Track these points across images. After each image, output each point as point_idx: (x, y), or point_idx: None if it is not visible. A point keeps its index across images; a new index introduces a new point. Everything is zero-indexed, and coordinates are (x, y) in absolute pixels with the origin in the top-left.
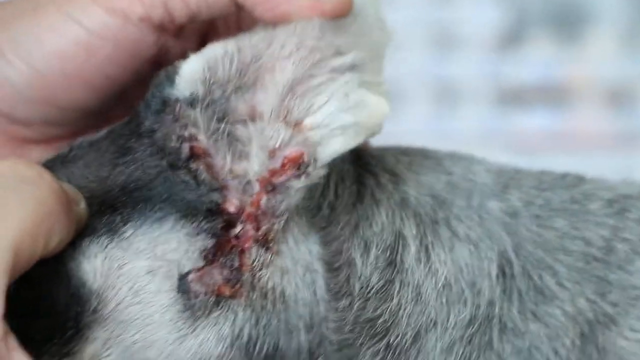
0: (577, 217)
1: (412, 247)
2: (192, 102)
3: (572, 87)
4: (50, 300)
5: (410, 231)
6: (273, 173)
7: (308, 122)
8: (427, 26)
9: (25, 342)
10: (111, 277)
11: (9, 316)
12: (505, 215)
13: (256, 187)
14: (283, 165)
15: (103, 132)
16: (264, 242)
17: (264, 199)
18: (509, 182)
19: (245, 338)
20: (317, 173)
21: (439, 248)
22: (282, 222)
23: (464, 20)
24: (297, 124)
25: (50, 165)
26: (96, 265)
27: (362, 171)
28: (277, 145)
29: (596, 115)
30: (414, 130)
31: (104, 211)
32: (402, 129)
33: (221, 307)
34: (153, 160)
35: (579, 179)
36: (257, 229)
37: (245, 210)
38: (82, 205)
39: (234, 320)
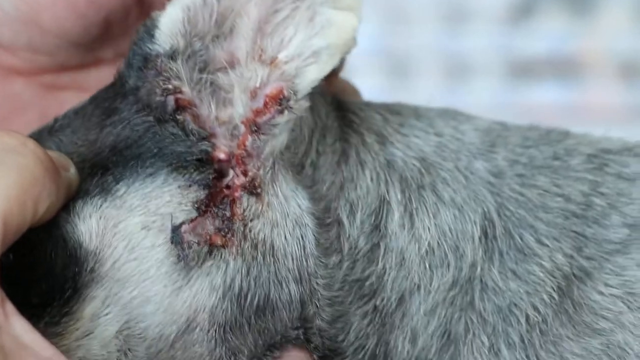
0: (558, 173)
1: (396, 213)
2: (172, 55)
3: (584, 60)
4: (48, 264)
5: (394, 196)
6: (257, 113)
7: (282, 56)
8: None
9: (25, 307)
10: (107, 236)
11: (6, 284)
12: (490, 175)
13: (242, 128)
14: (265, 103)
15: (86, 99)
16: (252, 189)
17: (249, 140)
18: (496, 140)
19: (236, 289)
20: (299, 106)
21: (423, 214)
22: (268, 167)
23: None
24: (272, 61)
25: (37, 136)
26: (91, 225)
27: (347, 129)
28: (257, 85)
29: (608, 88)
30: (425, 104)
31: (96, 173)
32: (413, 102)
33: (214, 257)
34: (140, 117)
35: (564, 135)
36: (245, 173)
37: (232, 158)
38: (72, 170)
39: (226, 270)
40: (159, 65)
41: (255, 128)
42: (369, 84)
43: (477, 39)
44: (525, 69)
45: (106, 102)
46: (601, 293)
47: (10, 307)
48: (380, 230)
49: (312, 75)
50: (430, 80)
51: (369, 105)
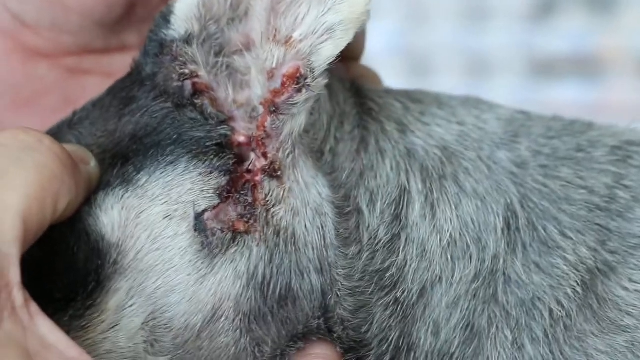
0: (582, 165)
1: (417, 204)
2: (188, 39)
3: (605, 57)
4: (70, 258)
5: (415, 186)
6: (275, 93)
7: (296, 35)
8: None
9: (48, 303)
10: (129, 227)
11: (28, 280)
12: (514, 165)
13: (260, 110)
14: (283, 83)
15: (104, 91)
16: (273, 172)
17: (268, 120)
18: (519, 130)
19: (259, 277)
20: (316, 84)
21: (445, 205)
22: (288, 150)
23: None
24: (287, 41)
25: (56, 130)
26: (114, 217)
27: (366, 117)
28: (273, 66)
29: (629, 85)
30: None
31: (116, 163)
32: None
33: (237, 243)
34: (158, 104)
35: (587, 126)
36: (265, 155)
37: (253, 139)
38: (93, 163)
39: (249, 256)
40: (175, 50)
41: (274, 108)
42: (390, 83)
43: (498, 37)
44: (546, 67)
45: (123, 91)
46: (626, 289)
47: (34, 308)
48: (401, 221)
49: (327, 52)
50: (451, 78)
51: (388, 92)
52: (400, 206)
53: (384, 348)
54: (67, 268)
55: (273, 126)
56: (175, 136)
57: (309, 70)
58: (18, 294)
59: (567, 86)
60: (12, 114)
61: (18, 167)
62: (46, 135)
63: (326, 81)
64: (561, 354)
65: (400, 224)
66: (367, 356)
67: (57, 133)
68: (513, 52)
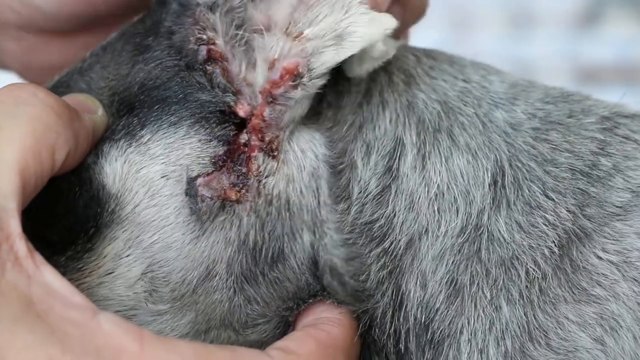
0: (571, 130)
1: (410, 156)
2: (212, 6)
3: None
4: (71, 203)
5: (410, 138)
6: (272, 84)
7: (307, 33)
8: (503, 5)
9: (45, 247)
10: (129, 181)
11: (27, 221)
12: (508, 126)
13: (259, 98)
14: (281, 76)
15: (114, 35)
16: (269, 151)
17: (266, 110)
18: (520, 93)
19: (251, 244)
20: (313, 84)
21: (436, 157)
22: (287, 132)
23: None
24: (297, 36)
25: (66, 79)
26: (116, 168)
27: (378, 69)
28: (276, 56)
29: None
30: None
31: (122, 110)
32: None
33: (227, 212)
34: (171, 59)
35: (585, 97)
36: (262, 139)
37: (251, 120)
38: (100, 112)
39: (239, 225)
40: (197, 14)
41: (271, 99)
42: None
43: (543, 45)
44: (591, 76)
45: (137, 37)
46: (599, 257)
47: (39, 258)
48: (392, 172)
49: (327, 57)
50: None
51: (408, 47)
52: (394, 158)
53: (386, 300)
54: (67, 212)
55: (272, 116)
56: (181, 95)
57: (306, 69)
58: (20, 245)
59: (612, 94)
60: None
61: (13, 121)
62: (41, 88)
63: (324, 82)
64: (534, 317)
65: (391, 176)
66: (375, 308)
67: (67, 81)
68: (558, 60)
